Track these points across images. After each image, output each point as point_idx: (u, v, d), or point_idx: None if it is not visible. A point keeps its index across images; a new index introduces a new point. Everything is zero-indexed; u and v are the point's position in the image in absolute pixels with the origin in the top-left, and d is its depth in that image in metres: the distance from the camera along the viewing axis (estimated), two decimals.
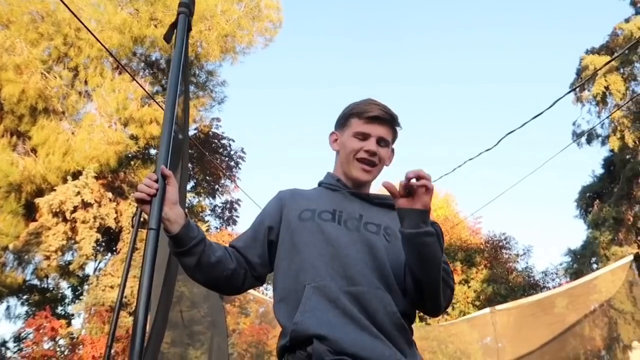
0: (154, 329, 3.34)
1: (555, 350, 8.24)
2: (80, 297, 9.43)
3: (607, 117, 13.04)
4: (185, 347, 7.32)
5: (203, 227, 11.36)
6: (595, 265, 11.31)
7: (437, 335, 11.98)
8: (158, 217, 1.50)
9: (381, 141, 1.63)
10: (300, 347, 1.37)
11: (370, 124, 1.62)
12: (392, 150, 1.72)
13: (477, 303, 12.10)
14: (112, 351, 3.81)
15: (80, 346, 7.65)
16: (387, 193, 1.45)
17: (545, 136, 35.65)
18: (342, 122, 1.71)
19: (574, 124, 15.16)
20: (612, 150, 13.08)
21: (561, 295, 7.72)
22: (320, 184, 1.75)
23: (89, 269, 10.80)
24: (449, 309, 12.97)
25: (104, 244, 10.36)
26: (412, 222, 1.36)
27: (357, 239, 1.52)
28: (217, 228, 13.36)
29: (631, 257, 6.70)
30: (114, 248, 10.07)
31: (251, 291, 13.01)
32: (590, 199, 13.19)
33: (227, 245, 1.62)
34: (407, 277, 1.47)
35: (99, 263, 10.36)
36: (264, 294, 20.25)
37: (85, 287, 9.76)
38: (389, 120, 1.65)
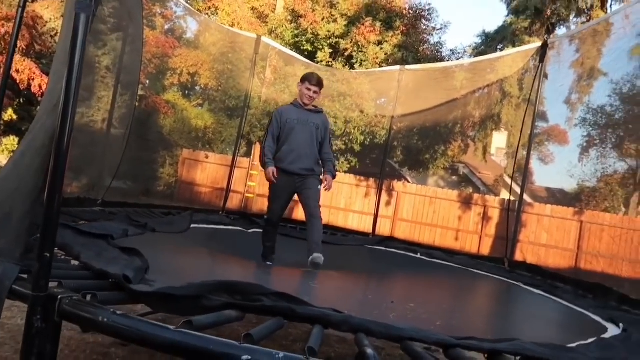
0: None
1: (442, 114, 9.14)
2: None
3: None
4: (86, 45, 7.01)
5: None
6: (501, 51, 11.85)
7: (339, 87, 12.54)
8: None
9: (315, 93, 4.26)
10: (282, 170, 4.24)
11: (311, 85, 4.25)
12: (320, 93, 4.37)
13: (384, 65, 12.51)
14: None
15: None
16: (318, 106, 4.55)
17: None
18: (302, 81, 4.31)
19: None
20: None
21: (465, 69, 8.09)
22: (292, 104, 4.39)
23: None
24: (357, 66, 13.39)
25: None
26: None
27: (308, 130, 4.25)
28: None
29: (539, 44, 6.73)
30: None
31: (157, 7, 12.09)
32: None
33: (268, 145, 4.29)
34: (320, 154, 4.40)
35: None
36: (172, 9, 19.00)
37: None
38: (319, 84, 4.28)
